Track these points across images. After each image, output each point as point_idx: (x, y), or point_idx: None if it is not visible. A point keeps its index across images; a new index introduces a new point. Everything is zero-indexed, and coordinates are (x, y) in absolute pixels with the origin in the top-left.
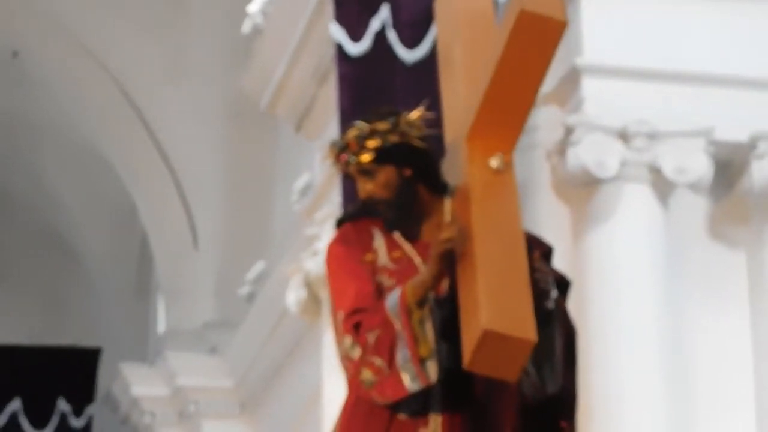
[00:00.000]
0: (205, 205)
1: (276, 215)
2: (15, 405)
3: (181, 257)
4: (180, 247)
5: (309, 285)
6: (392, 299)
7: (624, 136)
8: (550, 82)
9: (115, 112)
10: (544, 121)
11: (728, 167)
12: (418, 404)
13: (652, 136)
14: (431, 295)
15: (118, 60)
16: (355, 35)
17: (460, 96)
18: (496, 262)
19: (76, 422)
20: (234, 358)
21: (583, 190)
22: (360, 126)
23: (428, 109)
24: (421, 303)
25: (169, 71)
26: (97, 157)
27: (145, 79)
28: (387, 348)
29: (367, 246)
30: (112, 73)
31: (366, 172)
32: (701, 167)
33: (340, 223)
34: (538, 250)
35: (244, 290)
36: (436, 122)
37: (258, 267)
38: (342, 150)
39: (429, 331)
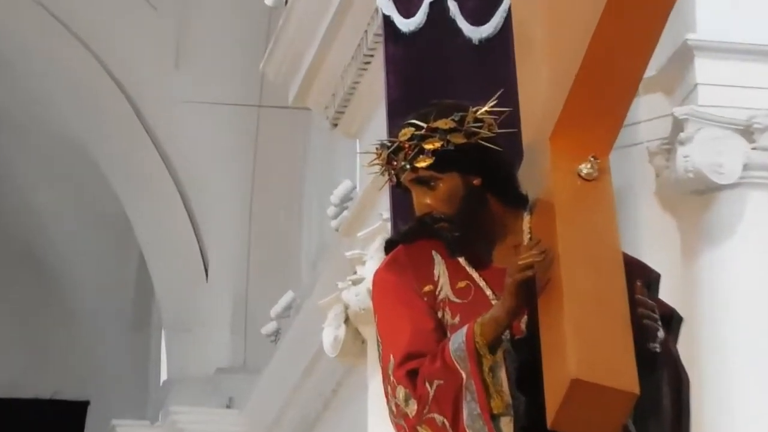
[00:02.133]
0: (218, 223)
1: (307, 234)
2: None
3: (188, 287)
4: (187, 275)
5: (349, 321)
6: (457, 341)
7: (748, 132)
8: (654, 64)
9: (107, 106)
10: (647, 113)
11: None
12: None
13: None
14: (506, 336)
15: (112, 46)
16: (407, 7)
17: (542, 84)
18: (588, 294)
19: None
20: (254, 412)
21: (695, 199)
22: (415, 123)
23: (501, 101)
24: (493, 346)
25: (174, 57)
26: (87, 162)
27: (144, 68)
28: (450, 402)
29: (426, 274)
30: (105, 63)
31: (423, 181)
32: None
33: (390, 245)
34: (641, 279)
35: (268, 328)
36: (511, 118)
37: (285, 299)
38: (392, 153)
39: (503, 380)
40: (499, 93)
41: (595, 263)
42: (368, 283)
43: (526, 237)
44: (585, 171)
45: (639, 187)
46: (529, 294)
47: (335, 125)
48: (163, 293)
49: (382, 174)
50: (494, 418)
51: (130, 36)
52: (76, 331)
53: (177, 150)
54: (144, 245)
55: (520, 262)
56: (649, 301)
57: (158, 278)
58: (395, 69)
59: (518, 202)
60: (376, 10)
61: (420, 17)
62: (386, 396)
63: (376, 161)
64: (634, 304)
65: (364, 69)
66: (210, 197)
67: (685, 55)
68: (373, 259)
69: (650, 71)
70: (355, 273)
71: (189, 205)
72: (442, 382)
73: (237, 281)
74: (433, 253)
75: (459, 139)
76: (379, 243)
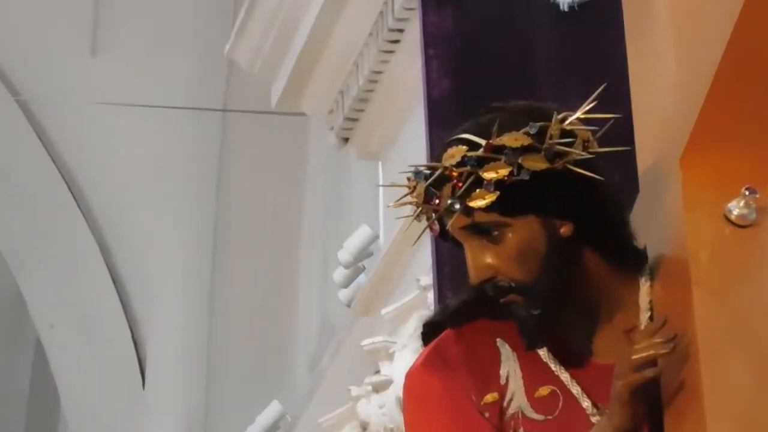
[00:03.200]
0: (160, 302)
1: (302, 314)
2: None
3: (115, 401)
4: (114, 382)
5: None
6: None
7: None
8: None
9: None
10: None
11: None
12: None
13: None
14: None
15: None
16: None
17: (668, 76)
18: (744, 404)
19: None
20: None
21: None
22: (468, 139)
23: (604, 103)
24: None
25: (90, 39)
26: None
27: (48, 54)
28: None
29: (487, 376)
30: None
31: (483, 230)
32: None
33: (431, 330)
34: None
35: None
36: (620, 130)
37: (267, 416)
38: (434, 186)
39: None
40: (600, 89)
41: (756, 357)
42: (398, 390)
43: (645, 316)
44: (737, 212)
45: None
46: (650, 406)
47: (345, 141)
48: (72, 407)
49: (418, 218)
50: None
51: (25, 7)
52: None
53: (94, 180)
54: (43, 332)
55: (635, 357)
56: None
57: (66, 384)
58: (439, 53)
59: (632, 261)
60: None
61: None
62: None
63: (409, 198)
64: None
65: (389, 54)
66: (148, 262)
67: None
68: (406, 350)
69: None
70: (377, 373)
71: (116, 272)
72: None
73: (190, 390)
74: (499, 342)
75: (538, 163)
76: (414, 326)
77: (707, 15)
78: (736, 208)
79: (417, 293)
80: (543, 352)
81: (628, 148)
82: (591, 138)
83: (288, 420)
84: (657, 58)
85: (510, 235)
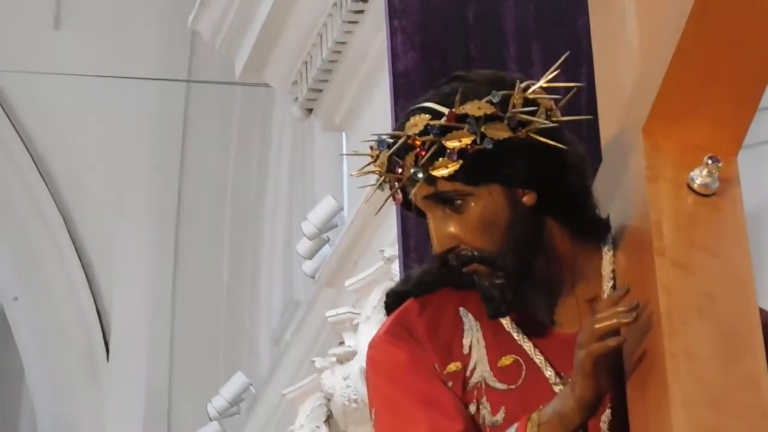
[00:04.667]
0: (123, 272)
1: (264, 286)
2: None
3: (78, 374)
4: (77, 355)
5: (333, 420)
6: None
7: None
8: None
9: None
10: None
11: None
12: None
13: None
14: None
15: None
16: None
17: (631, 46)
18: (708, 374)
19: None
20: None
21: None
22: (431, 108)
23: (568, 71)
24: None
25: (54, 11)
26: None
27: (8, 27)
28: None
29: (450, 345)
30: None
31: (445, 199)
32: None
33: (394, 300)
34: None
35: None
36: (583, 99)
37: (232, 388)
38: (397, 155)
39: None
40: (563, 58)
41: (718, 326)
42: (362, 361)
43: (607, 285)
44: (699, 181)
45: None
46: (612, 375)
47: (309, 112)
48: (36, 379)
49: (381, 188)
50: None
51: None
52: None
53: (57, 151)
54: (6, 304)
55: (597, 326)
56: None
57: (30, 356)
58: (404, 24)
59: (595, 230)
60: None
61: None
62: None
63: (372, 168)
64: None
65: (353, 24)
66: (112, 234)
67: None
68: (370, 322)
69: None
70: (341, 344)
71: (79, 244)
72: None
73: (153, 362)
74: (462, 311)
75: (500, 132)
76: (378, 297)
77: None
78: (699, 177)
79: (381, 265)
80: (506, 322)
81: (591, 117)
82: (554, 107)
83: (252, 392)
84: (620, 27)
85: (473, 204)
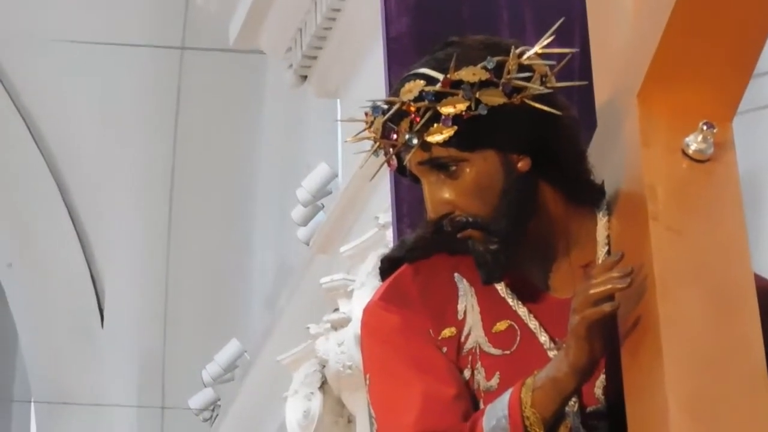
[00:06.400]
0: (118, 240)
1: (259, 252)
2: None
3: (73, 339)
4: (72, 321)
5: (327, 386)
6: (495, 416)
7: None
8: None
9: None
10: None
11: None
12: None
13: None
14: (572, 408)
15: None
16: None
17: (626, 11)
18: (701, 339)
19: None
20: None
21: None
22: (426, 74)
23: (561, 37)
24: (551, 424)
25: None
26: None
27: None
28: None
29: (445, 310)
30: None
31: (440, 165)
32: None
33: (389, 265)
34: None
35: (200, 399)
36: (577, 64)
37: (226, 354)
38: (391, 121)
39: None
40: (557, 24)
41: (712, 290)
42: (356, 327)
43: (602, 251)
44: (695, 146)
45: None
46: (606, 340)
47: (303, 78)
48: (31, 345)
49: (376, 154)
50: None
51: None
52: None
53: (51, 119)
54: (1, 271)
55: (592, 291)
56: None
57: (24, 322)
58: None
59: (589, 196)
60: None
61: None
62: None
63: (366, 134)
64: None
65: None
66: (106, 200)
67: None
68: (365, 288)
69: None
70: (335, 311)
71: (74, 211)
72: None
73: (147, 329)
74: (456, 277)
75: (495, 98)
76: (373, 264)
77: None
78: (694, 142)
79: (375, 231)
80: (500, 287)
81: (586, 82)
82: (548, 72)
83: (247, 358)
84: None
85: (467, 170)
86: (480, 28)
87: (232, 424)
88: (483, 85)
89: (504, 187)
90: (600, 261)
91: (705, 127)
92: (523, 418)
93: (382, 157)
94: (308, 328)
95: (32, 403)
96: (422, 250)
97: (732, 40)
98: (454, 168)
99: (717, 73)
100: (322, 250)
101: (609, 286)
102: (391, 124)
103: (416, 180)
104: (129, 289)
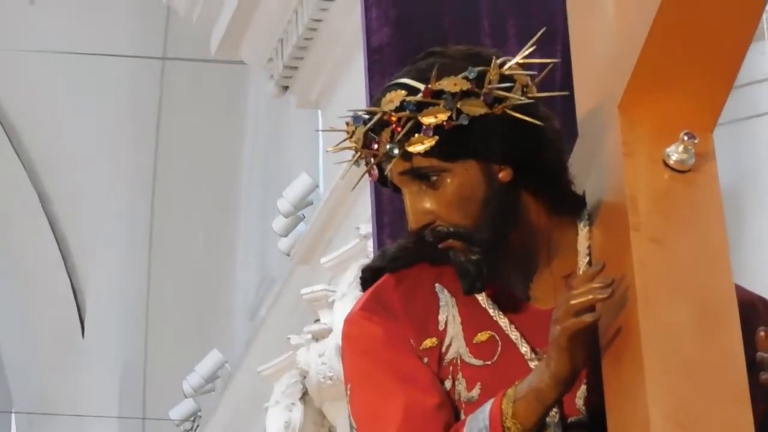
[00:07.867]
0: (100, 251)
1: (240, 263)
2: None
3: (55, 350)
4: (53, 331)
5: (308, 397)
6: (476, 426)
7: None
8: None
9: None
10: None
11: None
12: None
13: None
14: (553, 419)
15: None
16: None
17: (608, 21)
18: (682, 350)
19: None
20: None
21: None
22: (407, 84)
23: (543, 47)
24: None
25: None
26: None
27: None
28: None
29: (426, 321)
30: None
31: (421, 175)
32: None
33: (370, 276)
34: (765, 324)
35: (181, 410)
36: (559, 75)
37: (207, 365)
38: (373, 131)
39: None
40: (539, 34)
41: (694, 301)
42: (337, 338)
43: (583, 261)
44: (676, 157)
45: (762, 184)
46: (588, 351)
47: (284, 89)
48: (12, 356)
49: (357, 164)
50: None
51: None
52: None
53: (33, 129)
54: None
55: (573, 302)
56: None
57: (5, 333)
58: (378, 0)
59: (571, 206)
60: None
61: None
62: None
63: (347, 143)
64: (754, 364)
65: (328, 2)
66: (87, 211)
67: None
68: (346, 299)
69: None
70: (317, 321)
71: (55, 221)
72: None
73: (128, 340)
74: (438, 287)
75: (476, 108)
76: (354, 274)
77: None
78: (675, 153)
79: (356, 242)
80: (482, 298)
81: (567, 93)
82: (530, 83)
83: (228, 369)
84: (596, 3)
85: (449, 180)
86: (461, 39)
87: (213, 430)
88: (464, 95)
89: (485, 198)
90: (581, 271)
91: (686, 138)
92: (504, 428)
93: (363, 168)
94: (289, 338)
95: (12, 414)
96: (403, 261)
97: (713, 51)
98: (435, 178)
99: (698, 83)
100: (303, 261)
101: (590, 297)
102: (372, 134)
103: (397, 190)
104: (110, 300)
